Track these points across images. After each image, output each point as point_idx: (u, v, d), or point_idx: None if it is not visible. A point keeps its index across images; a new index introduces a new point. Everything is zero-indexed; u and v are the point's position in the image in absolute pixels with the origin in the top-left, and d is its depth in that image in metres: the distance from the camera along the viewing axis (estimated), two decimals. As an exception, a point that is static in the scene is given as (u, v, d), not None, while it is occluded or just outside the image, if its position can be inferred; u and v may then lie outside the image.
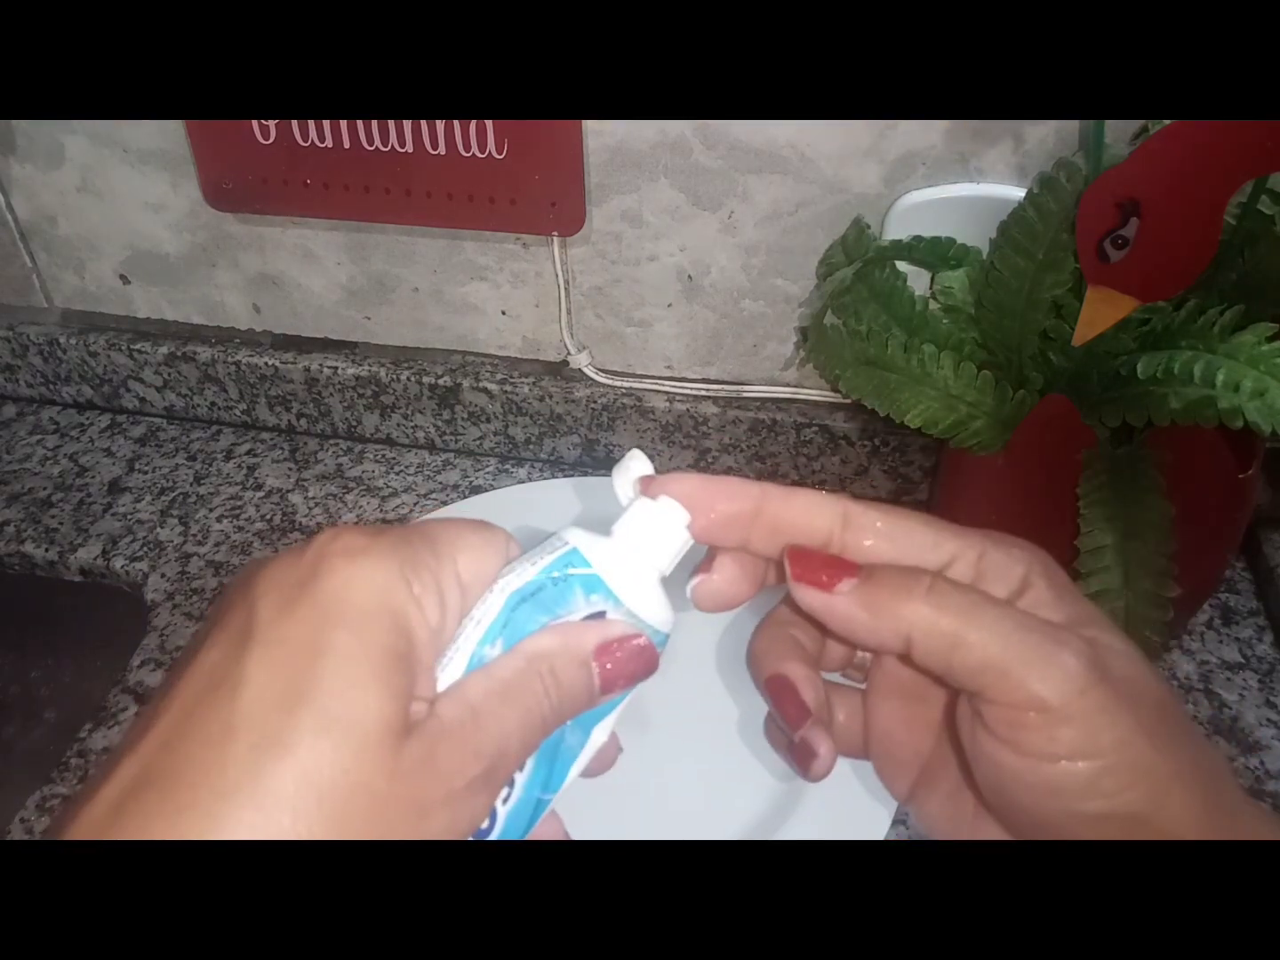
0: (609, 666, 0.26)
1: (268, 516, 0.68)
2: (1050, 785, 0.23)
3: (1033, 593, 0.26)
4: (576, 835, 0.28)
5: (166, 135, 0.64)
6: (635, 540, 0.27)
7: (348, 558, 0.23)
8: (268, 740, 0.21)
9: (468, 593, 0.25)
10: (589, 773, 0.28)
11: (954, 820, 0.28)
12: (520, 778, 0.25)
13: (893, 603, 0.25)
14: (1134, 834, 0.23)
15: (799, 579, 0.26)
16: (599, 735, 0.27)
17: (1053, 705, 0.23)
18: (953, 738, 0.28)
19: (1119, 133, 0.49)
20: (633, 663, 0.26)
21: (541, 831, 0.26)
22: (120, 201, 0.68)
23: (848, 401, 0.63)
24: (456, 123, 0.57)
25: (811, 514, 0.27)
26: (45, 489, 0.71)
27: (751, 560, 0.28)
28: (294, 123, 0.59)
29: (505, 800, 0.25)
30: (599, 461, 0.71)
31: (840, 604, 0.25)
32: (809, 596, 0.26)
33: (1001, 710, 0.24)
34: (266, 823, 0.20)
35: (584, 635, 0.26)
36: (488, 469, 0.72)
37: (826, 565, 0.26)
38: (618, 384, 0.67)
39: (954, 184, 0.55)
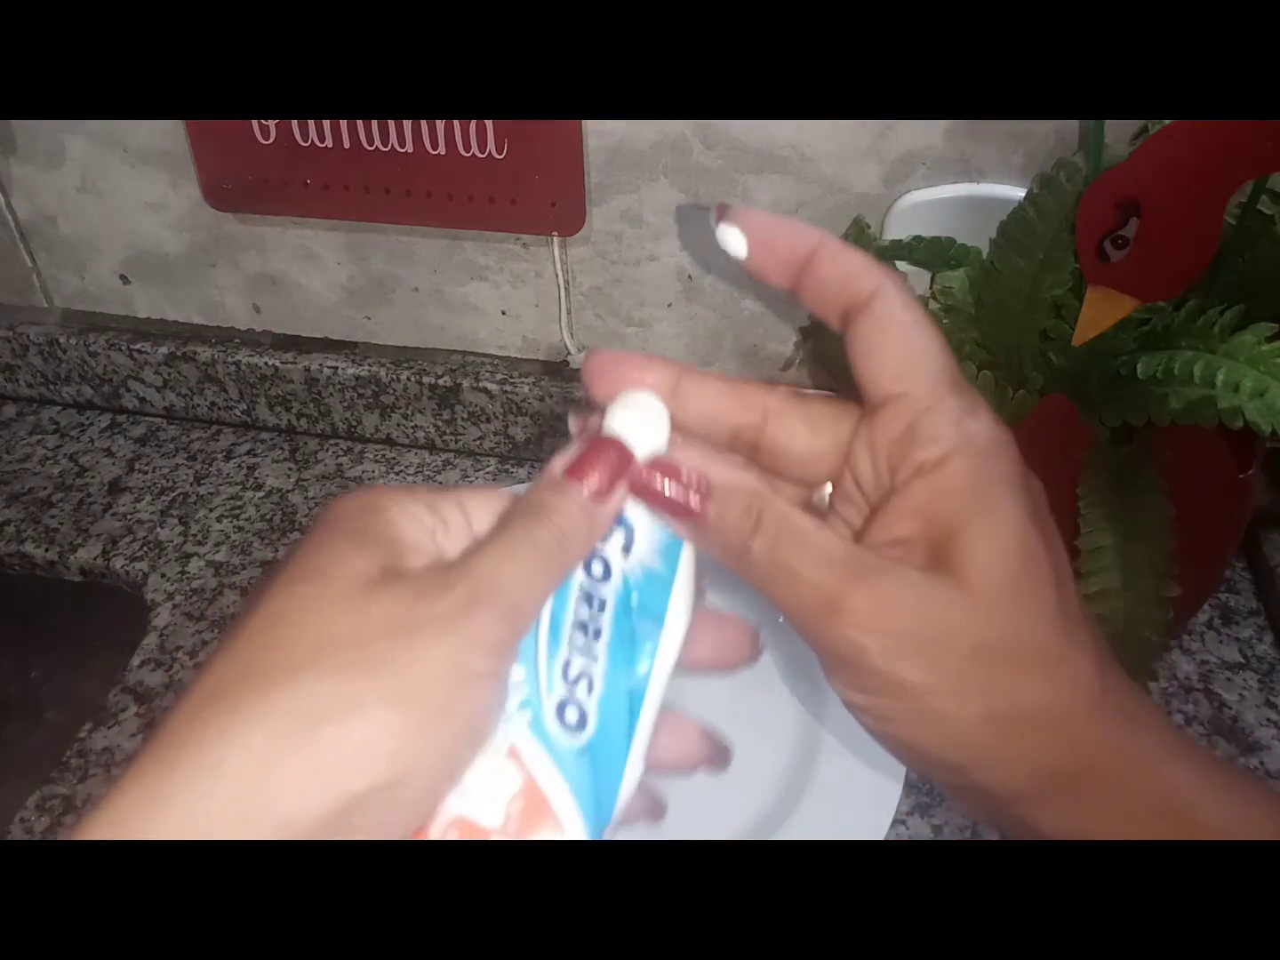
0: (582, 471, 0.27)
1: (268, 516, 0.68)
2: None
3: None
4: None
5: (166, 135, 0.64)
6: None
7: (345, 495, 0.26)
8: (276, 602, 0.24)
9: (471, 512, 0.27)
10: (709, 665, 0.29)
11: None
12: (597, 669, 0.26)
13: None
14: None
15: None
16: (676, 616, 0.27)
17: None
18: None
19: (1119, 133, 0.49)
20: (603, 459, 0.27)
21: (634, 807, 0.27)
22: (120, 201, 0.68)
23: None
24: (456, 123, 0.57)
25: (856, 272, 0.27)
26: (45, 489, 0.71)
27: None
28: (294, 123, 0.59)
29: (590, 691, 0.26)
30: (599, 461, 0.71)
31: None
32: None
33: None
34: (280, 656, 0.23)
35: (551, 465, 0.28)
36: (488, 469, 0.72)
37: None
38: (618, 384, 0.67)
39: (954, 184, 0.55)
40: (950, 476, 0.25)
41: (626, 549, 0.28)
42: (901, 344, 0.27)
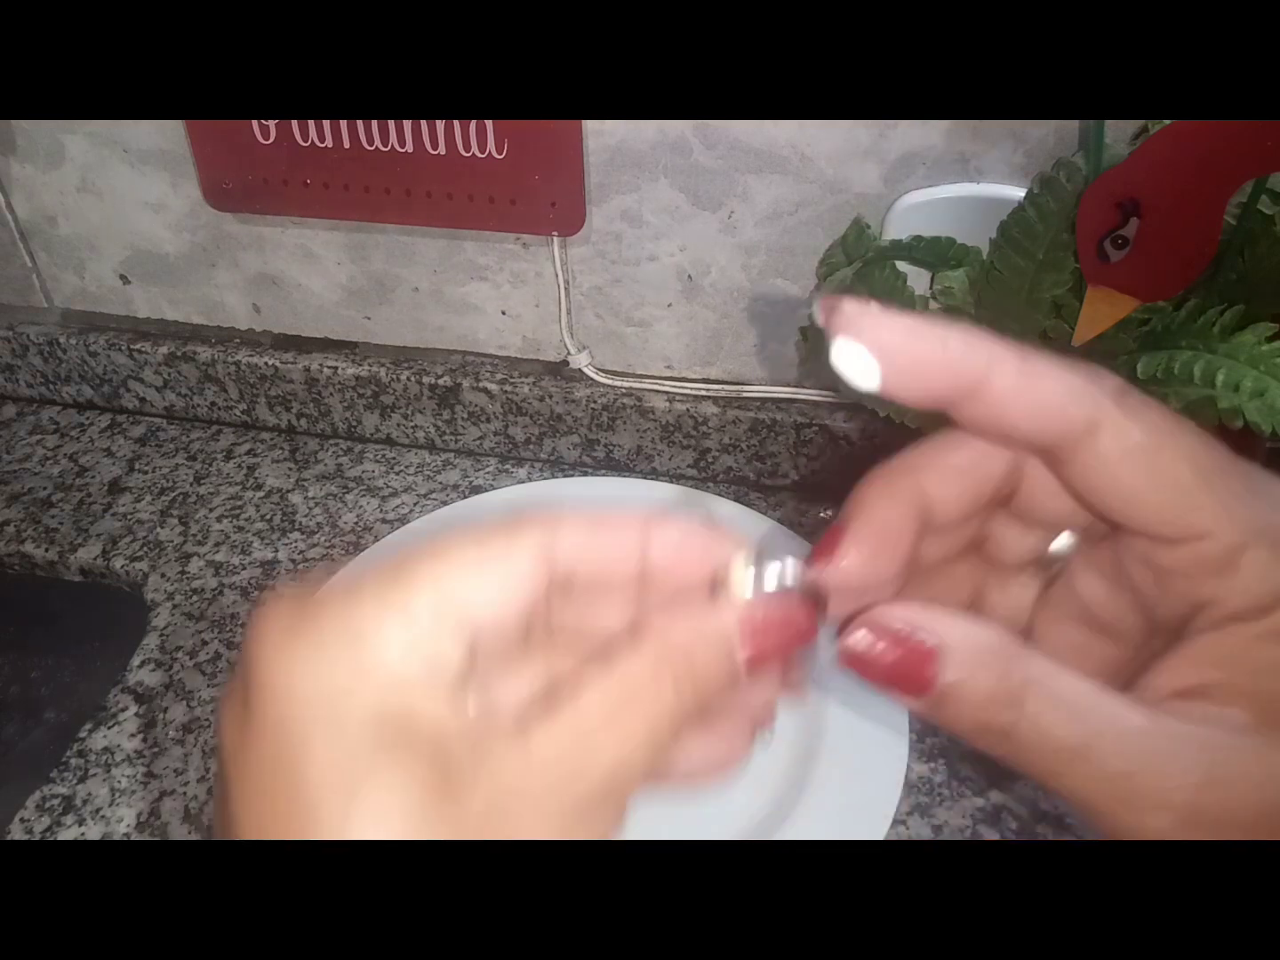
0: (756, 646, 0.22)
1: (268, 516, 0.68)
2: None
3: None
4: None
5: (166, 135, 0.64)
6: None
7: (276, 649, 0.20)
8: None
9: (471, 611, 0.21)
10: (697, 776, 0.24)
11: None
12: None
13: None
14: None
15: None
16: None
17: None
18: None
19: (1119, 133, 0.49)
20: (786, 643, 0.22)
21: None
22: (120, 201, 0.68)
23: (848, 401, 0.63)
24: (456, 123, 0.57)
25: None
26: (45, 489, 0.71)
27: (895, 528, 0.23)
28: (294, 123, 0.59)
29: None
30: (599, 461, 0.71)
31: None
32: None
33: None
34: None
35: (724, 612, 0.22)
36: (488, 469, 0.72)
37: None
38: (618, 384, 0.67)
39: (954, 184, 0.55)
40: None
41: None
42: (1167, 478, 0.21)
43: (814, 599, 0.22)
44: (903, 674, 0.20)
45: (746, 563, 0.23)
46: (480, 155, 0.58)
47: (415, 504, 0.69)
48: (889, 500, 0.23)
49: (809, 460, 0.67)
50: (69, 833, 0.51)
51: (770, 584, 0.22)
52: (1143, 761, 0.20)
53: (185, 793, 0.53)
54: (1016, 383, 0.20)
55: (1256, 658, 0.20)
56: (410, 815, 0.19)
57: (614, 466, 0.71)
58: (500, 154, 0.58)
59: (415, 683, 0.20)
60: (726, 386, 0.66)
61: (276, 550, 0.66)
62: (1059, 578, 0.25)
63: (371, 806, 0.19)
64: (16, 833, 0.51)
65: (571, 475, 0.70)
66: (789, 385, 0.65)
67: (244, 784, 0.20)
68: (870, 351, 0.20)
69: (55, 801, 0.52)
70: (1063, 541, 0.25)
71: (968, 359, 0.20)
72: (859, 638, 0.21)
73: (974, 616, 0.21)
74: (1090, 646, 0.25)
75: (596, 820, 0.21)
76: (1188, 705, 0.21)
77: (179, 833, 0.51)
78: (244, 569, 0.65)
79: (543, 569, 0.22)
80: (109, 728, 0.56)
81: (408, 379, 0.70)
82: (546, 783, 0.20)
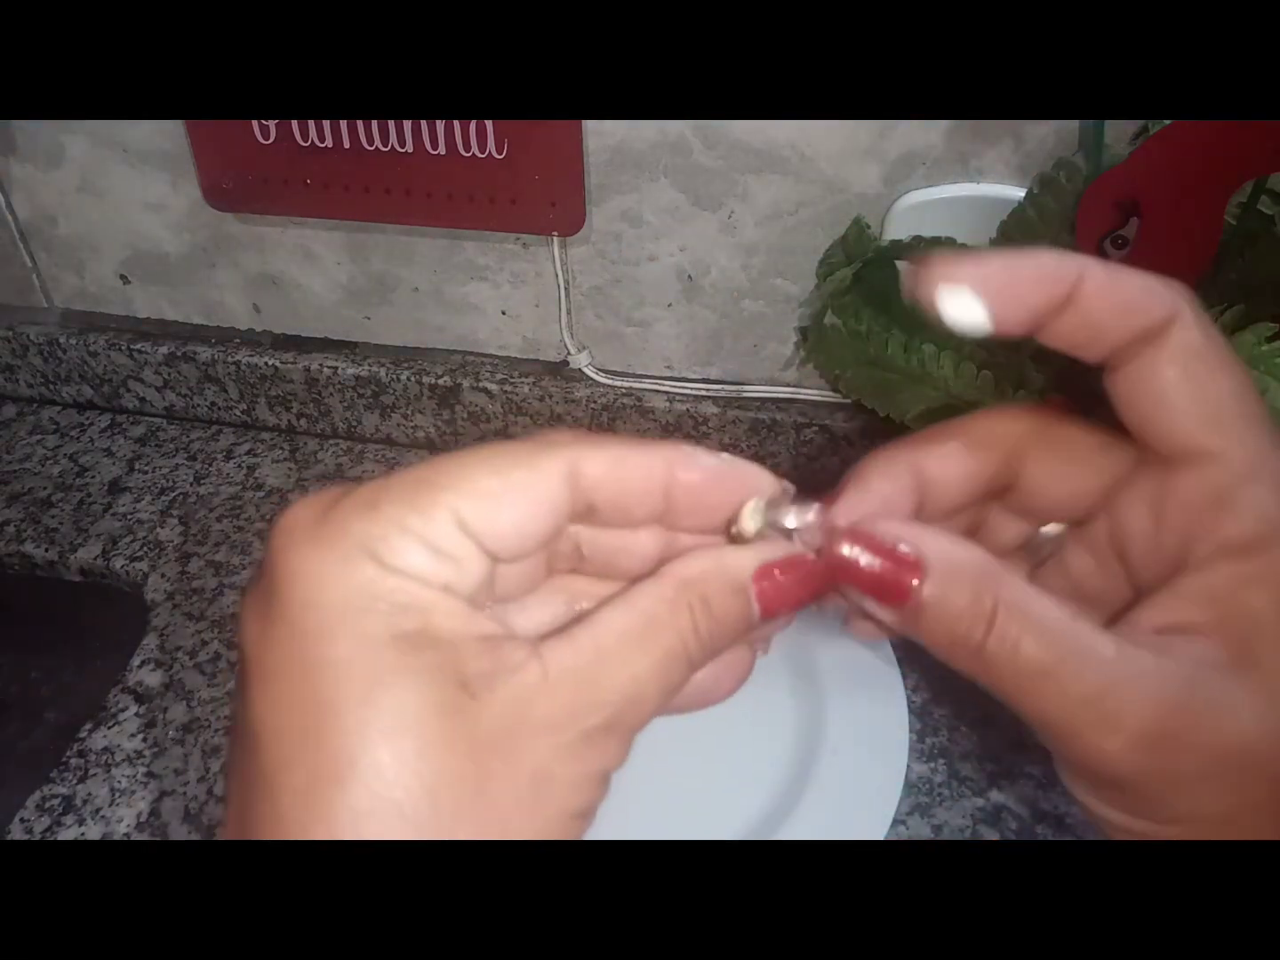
0: (768, 590, 0.22)
1: (268, 516, 0.68)
2: None
3: None
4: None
5: (166, 135, 0.63)
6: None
7: (297, 551, 0.21)
8: (310, 800, 0.19)
9: (490, 539, 0.21)
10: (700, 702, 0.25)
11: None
12: None
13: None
14: None
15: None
16: None
17: None
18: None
19: (1119, 133, 0.49)
20: (799, 587, 0.22)
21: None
22: (120, 201, 0.68)
23: (848, 401, 0.63)
24: (456, 123, 0.57)
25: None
26: (45, 489, 0.71)
27: (892, 502, 0.24)
28: (294, 123, 0.59)
29: None
30: (599, 461, 0.71)
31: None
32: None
33: None
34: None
35: (743, 554, 0.23)
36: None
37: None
38: (618, 384, 0.67)
39: (954, 184, 0.55)
40: (1274, 565, 0.21)
41: None
42: (1210, 387, 0.21)
43: (826, 541, 0.23)
44: (884, 583, 0.21)
45: (760, 504, 0.23)
46: (480, 155, 0.58)
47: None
48: (888, 475, 0.24)
49: (809, 460, 0.67)
50: (69, 833, 0.51)
51: (784, 526, 0.23)
52: (1107, 686, 0.20)
53: (185, 793, 0.53)
54: (1105, 281, 0.21)
55: (1240, 600, 0.21)
56: (426, 719, 0.19)
57: (614, 466, 0.71)
58: (500, 154, 0.58)
59: (435, 599, 0.20)
60: (726, 386, 0.66)
61: (276, 550, 0.66)
62: (1049, 559, 0.26)
63: (389, 704, 0.19)
64: (16, 833, 0.51)
65: (571, 475, 0.70)
66: (789, 385, 0.65)
67: (262, 677, 0.20)
68: (977, 290, 0.21)
69: (55, 801, 0.52)
70: (1054, 527, 0.25)
71: (1062, 267, 0.21)
72: (847, 547, 0.22)
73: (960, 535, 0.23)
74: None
75: (603, 749, 0.21)
76: (1166, 639, 0.21)
77: (179, 833, 0.51)
78: (244, 569, 0.65)
79: (565, 497, 0.22)
80: (109, 728, 0.56)
81: (408, 379, 0.70)
82: (560, 701, 0.20)
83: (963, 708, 0.53)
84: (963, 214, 0.54)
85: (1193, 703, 0.20)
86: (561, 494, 0.22)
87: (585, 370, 0.67)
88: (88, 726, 0.56)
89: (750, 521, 0.23)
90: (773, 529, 0.23)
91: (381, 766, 0.19)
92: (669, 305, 0.64)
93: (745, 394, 0.66)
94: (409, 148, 0.59)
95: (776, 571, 0.23)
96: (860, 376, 0.52)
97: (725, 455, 0.24)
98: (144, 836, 0.51)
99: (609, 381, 0.68)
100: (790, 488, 0.24)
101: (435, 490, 0.21)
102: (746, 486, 0.24)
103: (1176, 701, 0.20)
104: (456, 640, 0.20)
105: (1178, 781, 0.20)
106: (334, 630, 0.20)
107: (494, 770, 0.20)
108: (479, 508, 0.21)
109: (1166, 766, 0.20)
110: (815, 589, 0.23)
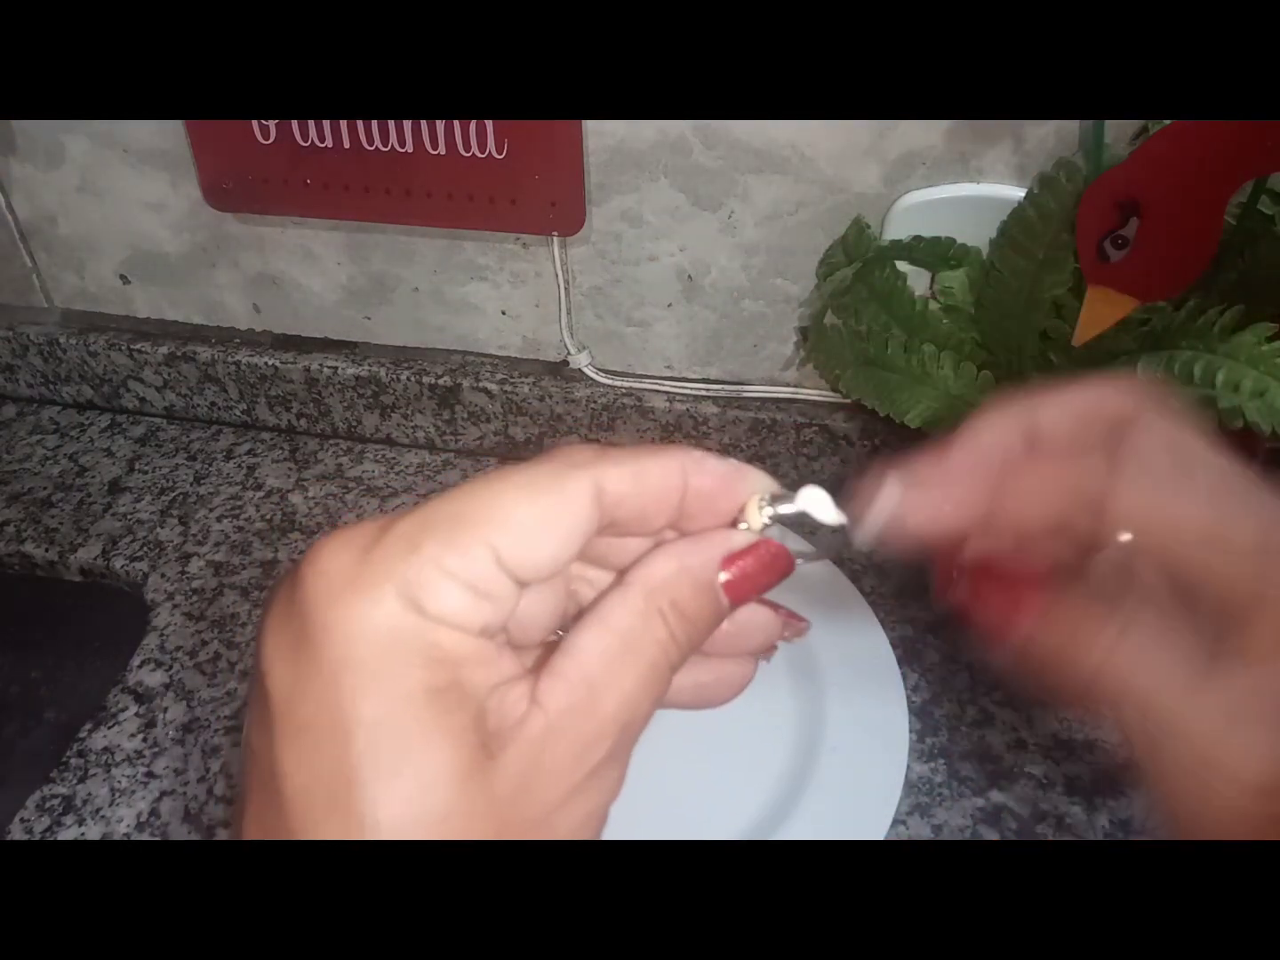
0: (735, 581, 0.23)
1: (268, 516, 0.68)
2: None
3: None
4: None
5: (166, 135, 0.64)
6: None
7: (335, 598, 0.20)
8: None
9: (526, 571, 0.21)
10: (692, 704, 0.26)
11: None
12: None
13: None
14: None
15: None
16: None
17: None
18: None
19: (1119, 133, 0.49)
20: (764, 573, 0.23)
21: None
22: (120, 201, 0.68)
23: (848, 401, 0.63)
24: (456, 123, 0.57)
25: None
26: (45, 489, 0.71)
27: (997, 443, 0.25)
28: (294, 123, 0.59)
29: None
30: (599, 461, 0.71)
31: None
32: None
33: None
34: None
35: (704, 550, 0.23)
36: (488, 469, 0.72)
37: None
38: (618, 384, 0.67)
39: (954, 184, 0.55)
40: None
41: None
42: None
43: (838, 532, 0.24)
44: (1002, 619, 0.23)
45: (763, 501, 0.24)
46: (480, 155, 0.58)
47: (416, 504, 0.69)
48: (999, 427, 0.25)
49: (809, 460, 0.67)
50: (69, 833, 0.51)
51: (816, 519, 0.25)
52: (1218, 738, 0.21)
53: (185, 793, 0.53)
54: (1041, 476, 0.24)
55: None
56: (451, 784, 0.20)
57: (614, 466, 0.71)
58: (500, 154, 0.58)
59: (468, 650, 0.21)
60: (726, 386, 0.66)
61: (276, 550, 0.66)
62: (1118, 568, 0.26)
63: (415, 772, 0.19)
64: (16, 833, 0.51)
65: (571, 475, 0.70)
66: (789, 385, 0.65)
67: (293, 730, 0.20)
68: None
69: (55, 801, 0.52)
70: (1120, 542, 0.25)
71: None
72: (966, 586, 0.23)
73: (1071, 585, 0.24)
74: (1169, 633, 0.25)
75: (606, 782, 0.22)
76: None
77: (179, 833, 0.51)
78: (244, 569, 0.65)
79: (594, 519, 0.22)
80: (109, 728, 0.56)
81: (408, 379, 0.70)
82: (564, 746, 0.21)
83: (963, 708, 0.53)
84: (963, 214, 0.54)
85: None
86: (591, 517, 0.22)
87: (585, 370, 0.68)
88: (88, 726, 0.56)
89: (757, 518, 0.24)
90: (775, 522, 0.24)
91: (405, 836, 0.19)
92: (669, 305, 0.64)
93: (745, 394, 0.66)
94: (409, 148, 0.59)
95: (740, 562, 0.23)
96: (860, 376, 0.52)
97: (729, 459, 0.24)
98: (144, 836, 0.51)
99: (609, 381, 0.68)
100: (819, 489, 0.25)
101: (473, 527, 0.21)
102: (750, 487, 0.24)
103: None
104: (480, 694, 0.21)
105: None
106: (367, 688, 0.20)
107: (509, 823, 0.20)
108: (516, 542, 0.21)
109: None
110: (780, 571, 0.24)
